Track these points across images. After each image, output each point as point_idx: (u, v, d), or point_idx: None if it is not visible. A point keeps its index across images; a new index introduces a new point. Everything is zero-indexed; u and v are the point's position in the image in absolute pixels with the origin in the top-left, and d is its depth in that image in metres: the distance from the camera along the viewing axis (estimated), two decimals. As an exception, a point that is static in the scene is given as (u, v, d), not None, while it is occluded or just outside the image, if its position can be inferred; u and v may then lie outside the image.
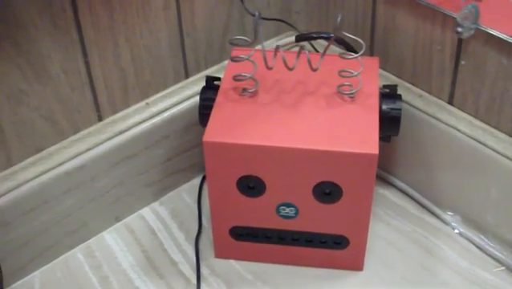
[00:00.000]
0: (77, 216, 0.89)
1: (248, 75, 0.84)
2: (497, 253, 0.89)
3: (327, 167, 0.78)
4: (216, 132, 0.78)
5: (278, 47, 0.83)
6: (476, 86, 0.86)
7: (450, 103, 0.90)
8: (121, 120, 0.90)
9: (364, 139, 0.77)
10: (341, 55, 0.83)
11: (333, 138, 0.77)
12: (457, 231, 0.93)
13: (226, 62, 0.98)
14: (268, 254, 0.88)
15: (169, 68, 0.94)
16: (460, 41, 0.85)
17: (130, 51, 0.87)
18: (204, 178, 1.01)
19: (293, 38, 0.92)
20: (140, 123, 0.91)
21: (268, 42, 1.03)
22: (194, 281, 0.86)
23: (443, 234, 0.93)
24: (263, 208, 0.83)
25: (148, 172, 0.95)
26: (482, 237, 0.91)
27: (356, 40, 0.83)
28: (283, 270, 0.88)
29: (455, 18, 0.83)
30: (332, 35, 0.88)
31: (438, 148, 0.91)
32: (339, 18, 0.78)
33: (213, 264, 0.89)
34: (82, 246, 0.92)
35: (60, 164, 0.85)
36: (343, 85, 0.84)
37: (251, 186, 0.81)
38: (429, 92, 0.92)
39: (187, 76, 0.97)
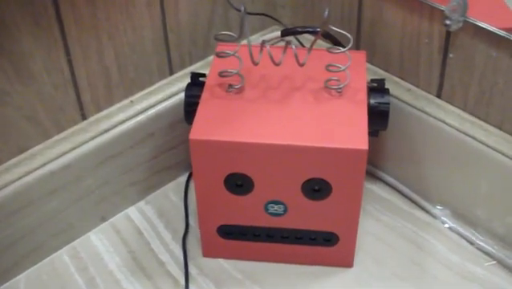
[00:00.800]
0: (62, 217, 0.88)
1: (234, 71, 0.82)
2: (487, 247, 0.89)
3: (316, 163, 0.77)
4: (202, 129, 0.77)
5: (264, 42, 0.82)
6: (465, 79, 0.85)
7: (439, 96, 0.89)
8: (105, 118, 0.89)
9: (353, 134, 0.76)
10: (328, 50, 0.82)
11: (322, 134, 0.76)
12: (447, 226, 0.92)
13: (211, 58, 0.98)
14: (257, 252, 0.87)
15: (153, 65, 0.92)
16: (448, 34, 0.84)
17: (113, 49, 0.86)
18: (190, 176, 1.00)
19: (278, 33, 0.91)
20: (124, 121, 0.89)
21: (253, 36, 1.02)
22: (182, 281, 0.85)
23: (433, 229, 0.92)
24: (251, 206, 0.82)
25: (134, 170, 0.93)
26: (473, 231, 0.91)
27: (343, 34, 0.81)
28: (272, 269, 0.87)
29: (443, 11, 0.82)
30: (319, 30, 0.87)
31: (427, 142, 0.91)
32: (326, 12, 0.76)
33: (201, 264, 0.88)
34: (67, 247, 0.90)
35: (44, 165, 0.83)
36: (331, 80, 0.83)
37: (239, 184, 0.80)
38: (417, 86, 0.91)
39: (171, 73, 0.95)
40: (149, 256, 0.89)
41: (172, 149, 0.96)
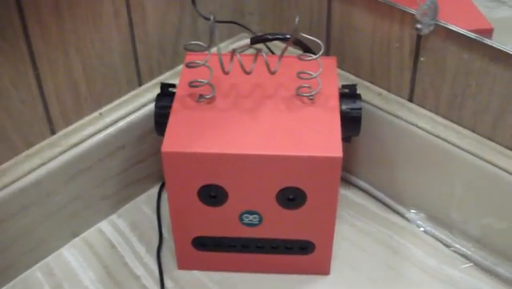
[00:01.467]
0: (34, 234, 0.86)
1: (204, 81, 0.81)
2: (463, 249, 0.89)
3: (290, 172, 0.76)
4: (174, 141, 0.76)
5: (234, 51, 0.81)
6: (436, 82, 0.85)
7: (410, 100, 0.89)
8: (75, 132, 0.87)
9: (327, 142, 0.76)
10: (299, 57, 0.81)
11: (295, 142, 0.76)
12: (421, 229, 0.92)
13: (180, 67, 0.97)
14: (233, 262, 0.86)
15: (122, 77, 0.91)
16: (419, 37, 0.83)
17: (81, 62, 0.84)
18: (162, 187, 0.99)
19: (248, 41, 0.90)
20: (94, 134, 0.88)
21: (222, 44, 1.01)
22: (158, 295, 0.85)
23: (408, 233, 0.92)
24: (226, 217, 0.81)
25: (104, 184, 0.92)
26: (448, 234, 0.91)
27: (314, 41, 0.81)
28: (249, 279, 0.86)
29: (414, 15, 0.82)
30: (289, 36, 0.87)
31: (399, 146, 0.90)
32: (297, 19, 0.76)
33: (176, 276, 0.86)
34: (40, 264, 0.88)
35: (14, 182, 0.81)
36: (302, 87, 0.82)
37: (213, 195, 0.79)
38: (388, 90, 0.91)
39: (140, 84, 0.94)
40: (124, 270, 0.87)
41: (142, 161, 0.95)
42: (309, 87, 0.82)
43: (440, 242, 0.90)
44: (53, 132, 0.86)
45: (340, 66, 0.94)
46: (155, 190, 0.99)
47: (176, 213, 0.81)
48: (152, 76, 0.95)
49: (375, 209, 0.96)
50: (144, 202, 0.97)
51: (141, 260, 0.88)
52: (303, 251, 0.84)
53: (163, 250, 0.90)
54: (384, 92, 0.91)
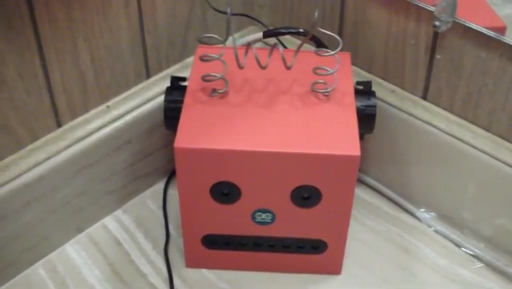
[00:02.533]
0: (37, 230, 0.83)
1: (218, 75, 0.79)
2: (475, 250, 0.88)
3: (306, 170, 0.74)
4: (187, 137, 0.73)
5: (249, 44, 0.79)
6: (452, 80, 0.83)
7: (424, 98, 0.88)
8: (81, 125, 0.85)
9: (344, 140, 0.74)
10: (316, 52, 0.80)
11: (311, 140, 0.74)
12: (432, 229, 0.91)
13: (188, 60, 0.95)
14: (243, 261, 0.84)
15: (130, 68, 0.88)
16: (435, 34, 0.82)
17: (89, 52, 0.82)
18: (168, 182, 0.97)
19: (260, 34, 0.88)
20: (100, 128, 0.85)
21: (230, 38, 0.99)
22: (165, 293, 0.83)
23: (419, 232, 0.91)
24: (238, 215, 0.79)
25: (110, 179, 0.89)
26: (459, 234, 0.90)
27: (330, 35, 0.78)
28: (259, 278, 0.84)
29: (431, 12, 0.80)
30: (302, 30, 0.85)
31: (412, 145, 0.89)
32: (316, 13, 0.74)
33: (184, 274, 0.84)
34: (43, 261, 0.86)
35: (18, 176, 0.79)
36: (318, 83, 0.80)
37: (225, 193, 0.77)
38: (402, 87, 0.89)
39: (148, 76, 0.91)
40: (130, 268, 0.85)
41: (149, 156, 0.93)
42: (325, 84, 0.80)
43: (452, 241, 0.89)
44: (59, 125, 0.84)
45: (352, 61, 0.91)
46: (161, 185, 0.96)
47: (187, 210, 0.79)
48: (160, 69, 0.93)
49: (386, 208, 0.94)
50: (150, 197, 0.95)
51: (148, 257, 0.86)
52: (315, 250, 0.82)
53: (170, 247, 0.88)
54: (398, 89, 0.89)
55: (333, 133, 0.75)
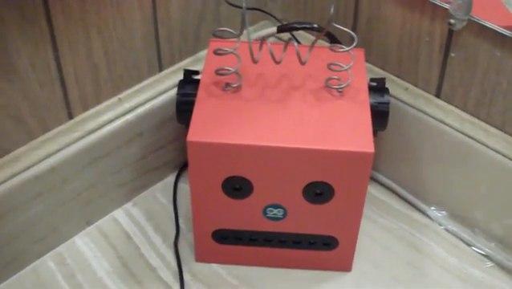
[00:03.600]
0: (47, 221, 0.83)
1: (232, 69, 0.79)
2: (486, 249, 0.87)
3: (319, 167, 0.74)
4: (200, 130, 0.73)
5: (264, 39, 0.79)
6: (466, 79, 0.83)
7: (438, 96, 0.87)
8: (93, 117, 0.84)
9: (358, 136, 0.73)
10: (331, 48, 0.79)
11: (325, 136, 0.73)
12: (444, 227, 0.91)
13: (201, 53, 0.94)
14: (253, 257, 0.84)
15: (143, 61, 0.88)
16: (450, 32, 0.81)
17: (102, 44, 0.81)
18: (178, 176, 0.96)
19: (274, 29, 0.87)
20: (112, 120, 0.85)
21: (244, 32, 0.98)
22: (176, 287, 0.82)
23: (430, 231, 0.90)
24: (249, 210, 0.79)
25: (121, 172, 0.89)
26: (471, 233, 0.89)
27: (345, 31, 0.78)
28: (269, 274, 0.84)
29: (446, 9, 0.80)
30: (316, 26, 0.85)
31: (425, 143, 0.88)
32: (332, 9, 0.73)
33: (194, 269, 0.84)
34: (52, 253, 0.86)
35: (29, 168, 0.79)
36: (332, 79, 0.80)
37: (237, 187, 0.76)
38: (415, 85, 0.89)
39: (161, 69, 0.91)
40: (139, 261, 0.85)
41: (160, 149, 0.93)
42: (339, 80, 0.80)
43: (462, 240, 0.89)
44: (70, 117, 0.83)
45: (366, 58, 0.90)
46: (171, 179, 0.96)
47: (198, 204, 0.79)
48: (172, 62, 0.92)
49: (397, 206, 0.94)
50: (160, 191, 0.95)
51: (157, 251, 0.86)
52: (326, 247, 0.82)
53: (180, 241, 0.87)
54: (411, 87, 0.89)
55: (346, 130, 0.74)
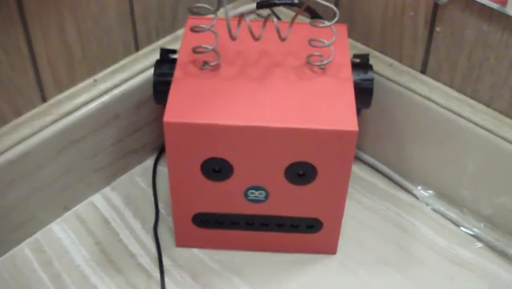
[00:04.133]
0: (22, 208, 0.81)
1: (209, 47, 0.76)
2: (474, 229, 0.85)
3: (302, 146, 0.71)
4: (177, 111, 0.70)
5: (242, 15, 0.76)
6: (452, 54, 0.80)
7: (423, 72, 0.85)
8: (67, 99, 0.81)
9: (341, 114, 0.71)
10: (312, 23, 0.76)
11: (307, 114, 0.71)
12: (431, 207, 0.88)
13: (179, 32, 0.92)
14: (235, 240, 0.82)
15: (118, 41, 0.85)
16: (435, 6, 0.79)
17: (75, 23, 0.78)
18: (158, 159, 0.94)
19: (254, 5, 0.84)
20: (87, 102, 0.82)
21: (221, 9, 0.95)
22: (156, 274, 0.79)
23: (417, 211, 0.88)
24: (230, 192, 0.76)
25: (98, 155, 0.86)
26: (459, 212, 0.87)
27: (326, 6, 0.75)
28: (252, 258, 0.82)
29: (431, -18, 0.78)
30: (297, 1, 0.82)
31: (410, 120, 0.86)
32: (311, -17, 0.71)
33: (174, 254, 0.82)
34: (29, 240, 0.83)
35: (2, 153, 0.76)
36: (313, 55, 0.77)
37: (217, 169, 0.74)
38: (400, 61, 0.86)
39: (137, 49, 0.88)
40: (118, 248, 0.83)
41: (138, 131, 0.90)
42: (320, 56, 0.77)
43: (450, 221, 0.87)
44: (44, 100, 0.80)
45: (349, 34, 0.88)
46: (150, 162, 0.94)
47: (177, 187, 0.77)
48: (149, 41, 0.89)
49: (382, 185, 0.92)
50: (139, 175, 0.92)
51: (137, 237, 0.84)
52: (310, 229, 0.80)
53: (160, 226, 0.85)
54: (396, 63, 0.86)
55: (329, 108, 0.72)
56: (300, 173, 0.74)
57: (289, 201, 0.77)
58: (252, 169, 0.74)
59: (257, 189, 0.76)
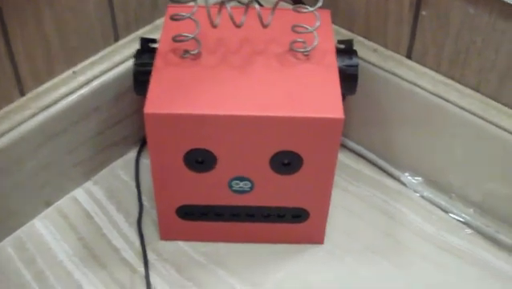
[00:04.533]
0: (3, 205, 0.79)
1: (190, 36, 0.74)
2: (463, 215, 0.84)
3: (287, 135, 0.70)
4: (158, 101, 0.69)
5: (223, 2, 0.74)
6: (438, 38, 0.79)
7: (409, 57, 0.83)
8: (46, 92, 0.80)
9: (326, 102, 0.70)
10: (295, 9, 0.75)
11: (292, 102, 0.70)
12: (419, 194, 0.87)
13: (159, 21, 0.90)
14: (220, 232, 0.81)
15: (97, 31, 0.83)
16: (420, -11, 0.78)
17: (53, 14, 0.76)
18: (140, 151, 0.92)
19: (234, -8, 0.84)
20: (67, 95, 0.80)
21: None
22: (140, 268, 0.78)
23: (405, 198, 0.87)
24: (214, 184, 0.75)
25: (79, 149, 0.85)
26: (447, 199, 0.86)
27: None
28: (238, 250, 0.81)
29: (415, -36, 0.76)
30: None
31: (396, 106, 0.85)
32: (293, -32, 0.70)
33: (159, 248, 0.80)
34: (11, 237, 0.81)
35: (-20, 148, 0.75)
36: (297, 42, 0.76)
37: (200, 160, 0.73)
38: (385, 46, 0.85)
39: (117, 39, 0.86)
40: (102, 242, 0.81)
41: (118, 123, 0.88)
42: (304, 42, 0.76)
43: (439, 207, 0.86)
44: (22, 94, 0.79)
45: (333, 19, 0.86)
46: (133, 154, 0.92)
47: (160, 180, 0.75)
48: (129, 31, 0.87)
49: (369, 172, 0.91)
50: (121, 167, 0.91)
51: (120, 231, 0.82)
52: (297, 219, 0.79)
53: (143, 219, 0.84)
54: (380, 48, 0.85)
55: (314, 95, 0.71)
56: (285, 163, 0.73)
57: (274, 191, 0.76)
58: (236, 160, 0.73)
59: (241, 179, 0.75)
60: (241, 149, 0.72)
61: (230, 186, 0.75)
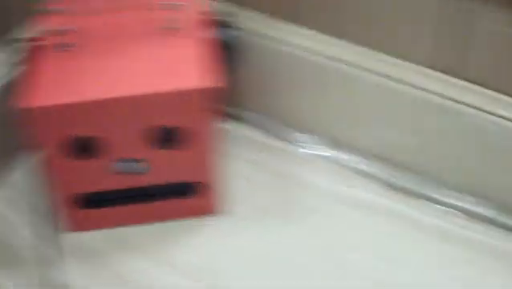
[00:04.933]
0: None
1: (63, 28, 0.75)
2: (369, 169, 0.84)
3: (159, 111, 0.71)
4: (34, 95, 0.69)
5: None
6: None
7: (293, 21, 0.83)
8: None
9: (195, 73, 0.70)
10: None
11: (161, 78, 0.70)
12: (321, 153, 0.88)
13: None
14: (121, 217, 0.81)
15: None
16: None
17: None
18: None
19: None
20: None
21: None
22: (50, 263, 0.77)
23: (306, 161, 0.87)
24: (102, 169, 0.76)
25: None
26: (351, 155, 0.86)
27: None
28: (143, 231, 0.81)
29: None
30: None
31: (283, 71, 0.86)
32: None
33: (67, 241, 0.80)
34: None
35: None
36: (166, 19, 0.76)
37: (84, 148, 0.73)
38: (267, 13, 0.84)
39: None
40: (5, 245, 0.80)
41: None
42: (174, 19, 0.76)
43: (343, 165, 0.86)
44: None
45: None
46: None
47: (50, 173, 0.75)
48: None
49: (269, 141, 0.91)
50: (19, 166, 0.88)
51: (19, 232, 0.81)
52: (189, 194, 0.79)
53: (47, 214, 0.82)
54: (261, 15, 0.85)
55: (184, 68, 0.71)
56: (167, 138, 0.73)
57: (161, 168, 0.77)
58: (118, 142, 0.73)
59: (128, 161, 0.75)
60: (121, 131, 0.72)
61: (118, 169, 0.76)
